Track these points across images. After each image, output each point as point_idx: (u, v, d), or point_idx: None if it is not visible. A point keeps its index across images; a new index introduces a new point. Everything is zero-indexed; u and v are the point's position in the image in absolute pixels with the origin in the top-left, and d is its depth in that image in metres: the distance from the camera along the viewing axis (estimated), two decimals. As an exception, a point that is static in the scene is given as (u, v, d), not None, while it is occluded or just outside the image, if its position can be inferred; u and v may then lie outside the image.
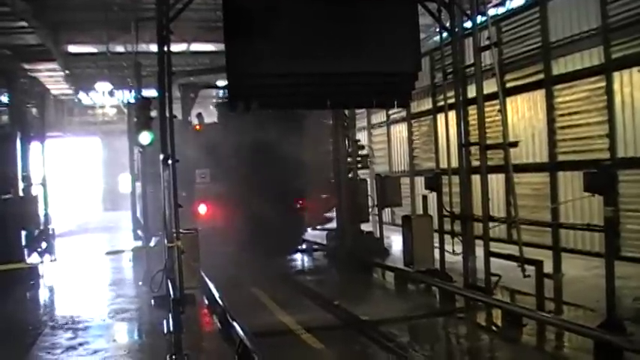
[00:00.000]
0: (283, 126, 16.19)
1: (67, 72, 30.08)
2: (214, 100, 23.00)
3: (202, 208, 17.38)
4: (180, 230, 10.73)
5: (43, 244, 16.26)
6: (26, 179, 15.97)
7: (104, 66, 29.93)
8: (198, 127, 19.13)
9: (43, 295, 14.35)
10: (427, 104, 19.30)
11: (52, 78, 30.43)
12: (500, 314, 9.98)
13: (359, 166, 17.84)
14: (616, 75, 12.06)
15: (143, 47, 21.24)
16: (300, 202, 17.90)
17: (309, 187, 17.80)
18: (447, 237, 12.51)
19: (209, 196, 17.39)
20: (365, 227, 18.08)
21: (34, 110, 17.85)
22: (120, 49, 26.87)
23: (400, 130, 22.21)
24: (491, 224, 11.58)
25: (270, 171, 16.39)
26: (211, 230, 15.31)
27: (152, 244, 16.64)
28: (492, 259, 11.05)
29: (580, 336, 8.34)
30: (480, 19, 11.60)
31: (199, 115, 19.94)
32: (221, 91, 21.61)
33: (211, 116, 21.86)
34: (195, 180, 17.33)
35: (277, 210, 16.35)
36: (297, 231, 18.58)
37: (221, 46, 13.06)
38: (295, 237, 18.53)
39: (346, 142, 17.45)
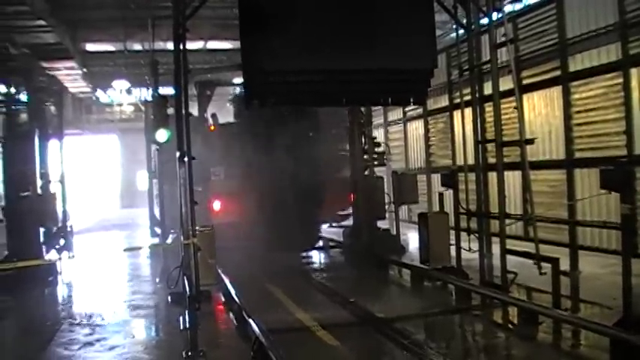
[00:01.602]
0: (297, 123, 16.30)
1: (84, 70, 30.31)
2: (230, 98, 23.04)
3: (217, 205, 17.66)
4: (197, 227, 10.79)
5: (61, 241, 16.36)
6: (44, 177, 16.08)
7: (122, 64, 30.15)
8: (212, 127, 19.36)
9: (61, 292, 14.48)
10: (443, 101, 19.26)
11: (70, 76, 30.67)
12: (517, 312, 9.96)
13: (375, 163, 17.81)
14: (633, 71, 11.99)
15: (160, 45, 21.40)
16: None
17: (325, 185, 17.81)
18: (464, 234, 12.49)
19: (223, 193, 17.68)
20: (381, 224, 18.07)
21: (52, 108, 17.93)
22: (137, 47, 27.07)
23: (416, 127, 22.20)
24: (507, 221, 11.53)
25: (284, 169, 16.46)
26: (225, 226, 15.55)
27: (169, 241, 16.75)
28: (509, 257, 11.01)
29: (596, 334, 8.30)
30: (496, 15, 11.57)
31: (214, 116, 20.09)
32: (237, 89, 21.69)
33: (228, 114, 21.93)
34: (211, 178, 17.59)
35: (292, 207, 16.40)
36: (312, 228, 18.61)
37: (237, 44, 13.07)
38: (311, 234, 18.54)
39: (362, 139, 17.45)
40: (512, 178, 14.23)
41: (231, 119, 20.69)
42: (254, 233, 16.61)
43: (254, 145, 16.96)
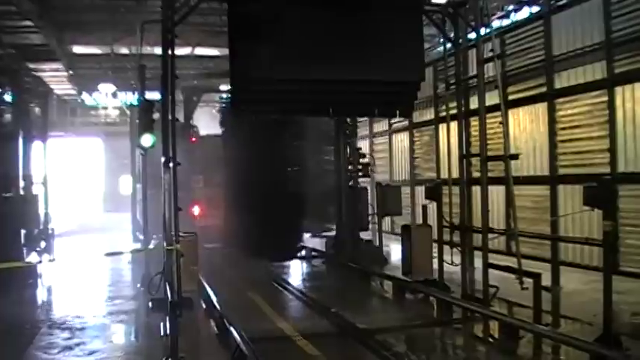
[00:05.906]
0: (279, 133, 16.55)
1: (70, 72, 30.11)
2: (217, 105, 23.19)
3: (196, 210, 19.49)
4: (180, 233, 10.72)
5: (42, 244, 16.27)
6: (27, 178, 15.99)
7: (108, 67, 30.01)
8: (193, 139, 20.38)
9: (40, 295, 14.36)
10: (429, 114, 19.33)
11: (55, 78, 30.43)
12: (498, 326, 9.99)
13: (360, 174, 17.86)
14: (618, 90, 12.10)
15: (148, 50, 21.28)
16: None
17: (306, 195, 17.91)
18: (446, 247, 12.52)
19: (202, 199, 19.68)
20: (364, 235, 18.08)
21: (37, 110, 17.88)
22: (124, 50, 26.95)
23: (402, 140, 22.24)
24: (490, 236, 11.58)
25: (263, 178, 16.67)
26: (204, 229, 16.71)
27: (151, 246, 16.66)
28: (491, 271, 11.06)
29: (577, 349, 8.33)
30: (483, 30, 11.64)
31: (194, 128, 20.78)
32: (224, 96, 21.89)
33: (214, 120, 22.02)
34: (191, 185, 18.76)
35: (272, 215, 16.46)
36: (293, 237, 18.60)
37: (225, 51, 13.07)
38: (292, 243, 18.52)
39: (347, 150, 17.47)
40: (496, 192, 14.29)
41: (215, 128, 21.07)
42: (232, 237, 17.04)
43: (231, 155, 17.39)
